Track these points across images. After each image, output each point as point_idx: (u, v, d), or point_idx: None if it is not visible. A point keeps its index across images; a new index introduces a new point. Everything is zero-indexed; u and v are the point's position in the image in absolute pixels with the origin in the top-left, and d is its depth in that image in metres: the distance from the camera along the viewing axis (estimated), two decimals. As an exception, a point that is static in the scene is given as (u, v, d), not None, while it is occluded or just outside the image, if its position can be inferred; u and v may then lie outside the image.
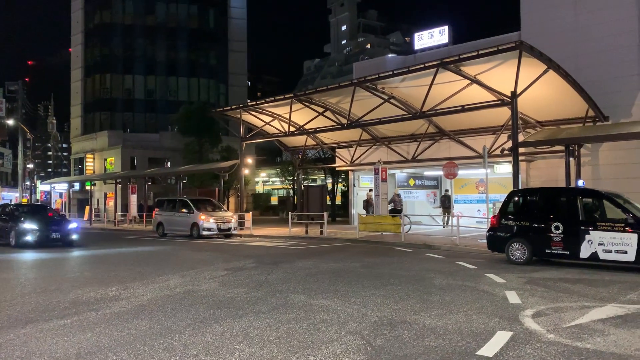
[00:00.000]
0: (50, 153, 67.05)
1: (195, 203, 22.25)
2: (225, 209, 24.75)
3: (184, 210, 22.08)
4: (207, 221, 21.05)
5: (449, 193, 25.40)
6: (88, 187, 40.75)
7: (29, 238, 16.99)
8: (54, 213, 20.24)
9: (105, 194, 45.59)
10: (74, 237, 17.94)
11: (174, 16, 54.22)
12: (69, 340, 5.66)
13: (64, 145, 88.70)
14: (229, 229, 21.56)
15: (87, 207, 40.83)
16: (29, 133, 45.48)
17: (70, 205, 44.63)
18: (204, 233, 20.95)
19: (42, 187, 49.45)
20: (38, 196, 48.70)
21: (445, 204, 24.79)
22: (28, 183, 45.55)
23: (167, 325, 6.32)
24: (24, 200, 45.31)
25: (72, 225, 18.37)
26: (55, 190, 47.81)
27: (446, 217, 24.14)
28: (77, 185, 45.05)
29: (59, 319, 6.68)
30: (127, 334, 5.92)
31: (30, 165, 41.87)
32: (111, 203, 42.08)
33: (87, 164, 49.13)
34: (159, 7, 53.80)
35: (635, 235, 10.36)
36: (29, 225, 17.22)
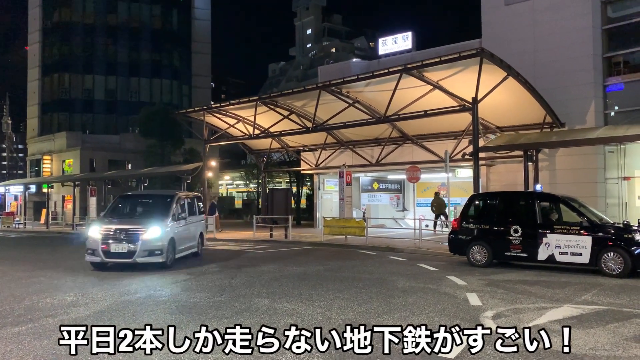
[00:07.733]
0: (5, 154, 64.82)
1: None
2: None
3: None
4: None
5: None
6: (45, 190, 39.51)
7: None
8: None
9: (63, 197, 44.26)
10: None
11: (137, 16, 53.13)
12: (23, 349, 5.47)
13: (20, 146, 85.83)
14: None
15: (44, 210, 39.59)
16: (-18, 133, 43.81)
17: (25, 209, 43.15)
18: None
19: (-4, 189, 47.66)
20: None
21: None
22: (-19, 185, 43.78)
23: (127, 331, 6.17)
24: None
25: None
26: (10, 192, 46.11)
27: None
28: (33, 188, 43.62)
29: (12, 326, 6.44)
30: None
31: (-17, 167, 40.30)
32: (69, 206, 40.89)
33: (44, 165, 47.57)
34: (120, 6, 52.62)
35: (590, 238, 10.71)
36: None
